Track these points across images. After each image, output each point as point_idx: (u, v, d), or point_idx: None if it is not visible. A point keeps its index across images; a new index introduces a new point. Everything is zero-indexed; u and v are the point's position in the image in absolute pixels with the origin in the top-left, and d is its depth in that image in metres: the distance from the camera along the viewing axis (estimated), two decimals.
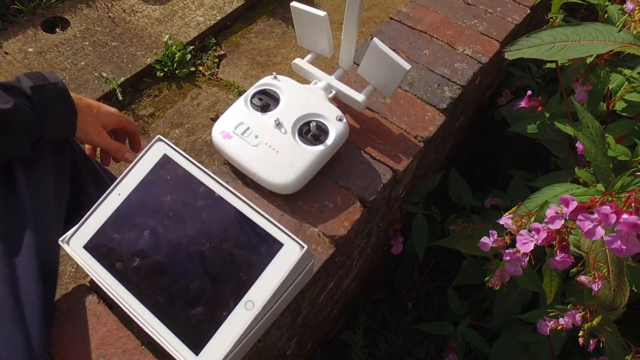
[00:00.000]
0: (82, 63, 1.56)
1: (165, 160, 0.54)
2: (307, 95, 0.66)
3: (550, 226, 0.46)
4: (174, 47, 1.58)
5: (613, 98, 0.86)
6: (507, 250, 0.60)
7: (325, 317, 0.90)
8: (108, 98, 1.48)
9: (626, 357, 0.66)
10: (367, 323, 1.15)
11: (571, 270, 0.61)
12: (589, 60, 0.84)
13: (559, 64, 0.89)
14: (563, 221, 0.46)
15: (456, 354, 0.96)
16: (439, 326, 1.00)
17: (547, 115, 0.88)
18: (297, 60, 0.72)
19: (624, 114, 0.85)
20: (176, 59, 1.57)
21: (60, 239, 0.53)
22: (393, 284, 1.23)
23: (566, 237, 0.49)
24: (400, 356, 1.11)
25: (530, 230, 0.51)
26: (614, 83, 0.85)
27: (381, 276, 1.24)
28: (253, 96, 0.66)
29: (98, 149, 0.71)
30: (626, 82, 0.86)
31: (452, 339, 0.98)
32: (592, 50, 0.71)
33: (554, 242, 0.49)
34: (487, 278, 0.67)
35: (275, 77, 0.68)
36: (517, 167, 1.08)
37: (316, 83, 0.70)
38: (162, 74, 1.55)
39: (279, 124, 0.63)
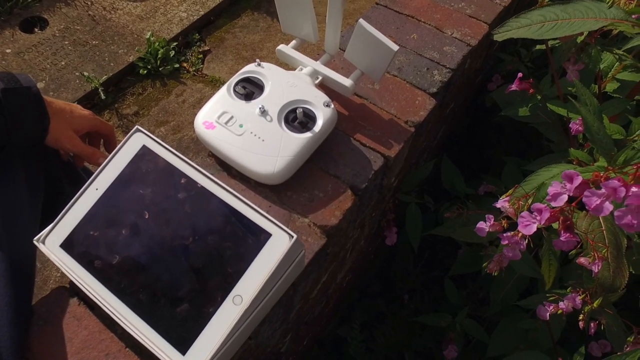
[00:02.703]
0: (63, 63, 1.52)
1: (144, 152, 0.52)
2: (293, 81, 0.63)
3: (553, 204, 0.44)
4: (157, 44, 1.55)
5: (604, 79, 0.84)
6: (505, 234, 0.58)
7: (320, 312, 0.88)
8: (90, 97, 1.45)
9: (628, 339, 0.65)
10: (364, 317, 1.13)
11: (570, 253, 0.60)
12: (579, 39, 0.82)
13: (549, 45, 0.87)
14: (567, 197, 0.44)
15: (456, 345, 0.94)
16: (437, 317, 0.98)
17: (539, 97, 0.87)
18: (282, 47, 0.69)
19: (615, 95, 0.84)
20: (159, 56, 1.53)
21: (35, 238, 0.50)
22: (388, 276, 1.21)
23: (570, 216, 0.47)
24: (398, 350, 1.09)
25: (531, 212, 0.49)
26: (605, 62, 0.84)
27: (376, 269, 1.22)
28: (236, 84, 0.63)
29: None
30: (617, 62, 0.84)
31: (450, 329, 0.96)
32: (582, 27, 0.69)
33: (557, 223, 0.47)
34: (485, 264, 0.65)
35: (259, 64, 0.65)
36: (510, 154, 1.07)
37: (301, 69, 0.67)
38: (145, 72, 1.52)
39: (264, 112, 0.60)
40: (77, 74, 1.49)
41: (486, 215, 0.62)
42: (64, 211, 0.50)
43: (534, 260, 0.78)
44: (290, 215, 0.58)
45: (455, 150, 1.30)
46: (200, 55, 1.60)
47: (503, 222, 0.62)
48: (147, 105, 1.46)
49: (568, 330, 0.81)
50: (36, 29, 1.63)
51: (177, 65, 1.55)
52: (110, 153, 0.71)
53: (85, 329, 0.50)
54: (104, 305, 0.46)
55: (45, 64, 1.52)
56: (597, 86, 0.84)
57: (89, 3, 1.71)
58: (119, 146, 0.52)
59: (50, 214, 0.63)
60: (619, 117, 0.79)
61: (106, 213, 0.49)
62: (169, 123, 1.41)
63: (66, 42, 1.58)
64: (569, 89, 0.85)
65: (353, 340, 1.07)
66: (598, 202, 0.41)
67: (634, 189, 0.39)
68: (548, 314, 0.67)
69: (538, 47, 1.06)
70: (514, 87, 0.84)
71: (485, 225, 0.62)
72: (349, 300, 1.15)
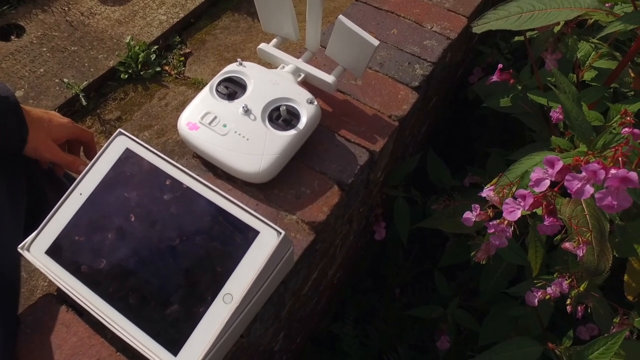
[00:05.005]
0: (41, 70, 1.50)
1: (128, 155, 0.51)
2: (275, 79, 0.63)
3: (536, 189, 0.45)
4: (137, 47, 1.53)
5: (582, 68, 0.86)
6: (491, 223, 0.59)
7: (312, 310, 0.88)
8: (71, 104, 1.43)
9: (614, 320, 0.66)
10: (356, 313, 1.13)
11: (555, 238, 0.61)
12: (556, 29, 0.84)
13: (527, 36, 0.89)
14: (549, 182, 0.44)
15: (448, 336, 0.95)
16: (428, 309, 0.99)
17: (519, 87, 0.88)
18: (263, 45, 0.69)
19: (593, 83, 0.85)
20: (140, 60, 1.52)
21: (20, 246, 0.49)
22: (379, 272, 1.22)
23: (553, 201, 0.48)
24: (392, 344, 1.10)
25: (515, 198, 0.49)
26: (582, 52, 0.86)
27: (367, 265, 1.22)
28: (218, 84, 0.63)
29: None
30: (594, 51, 0.86)
31: (442, 321, 0.97)
32: (559, 17, 0.70)
33: (541, 208, 0.48)
34: (472, 253, 0.65)
35: (241, 64, 0.65)
36: (493, 146, 1.08)
37: (283, 67, 0.67)
38: (126, 76, 1.50)
39: (247, 111, 0.60)
40: (56, 80, 1.46)
41: (472, 205, 0.63)
42: (48, 217, 0.50)
43: (521, 248, 0.79)
44: (277, 213, 0.58)
45: (440, 144, 1.31)
46: (182, 58, 1.59)
47: (489, 211, 0.63)
48: (129, 110, 1.45)
49: (557, 316, 0.82)
50: (13, 37, 1.60)
51: (158, 69, 1.53)
52: (90, 161, 0.70)
53: (74, 335, 0.49)
54: (93, 311, 0.45)
55: (23, 72, 1.49)
56: (575, 75, 0.86)
57: (66, 9, 1.68)
58: (102, 149, 0.52)
59: (33, 222, 0.62)
60: (597, 104, 0.80)
61: (91, 217, 0.49)
62: (152, 127, 1.39)
63: (44, 49, 1.56)
64: (548, 79, 0.87)
65: (346, 336, 1.07)
66: (579, 185, 0.42)
67: (613, 170, 0.40)
68: (536, 299, 0.68)
69: (517, 38, 1.08)
70: (494, 78, 0.85)
71: (471, 215, 0.63)
72: (341, 297, 1.15)
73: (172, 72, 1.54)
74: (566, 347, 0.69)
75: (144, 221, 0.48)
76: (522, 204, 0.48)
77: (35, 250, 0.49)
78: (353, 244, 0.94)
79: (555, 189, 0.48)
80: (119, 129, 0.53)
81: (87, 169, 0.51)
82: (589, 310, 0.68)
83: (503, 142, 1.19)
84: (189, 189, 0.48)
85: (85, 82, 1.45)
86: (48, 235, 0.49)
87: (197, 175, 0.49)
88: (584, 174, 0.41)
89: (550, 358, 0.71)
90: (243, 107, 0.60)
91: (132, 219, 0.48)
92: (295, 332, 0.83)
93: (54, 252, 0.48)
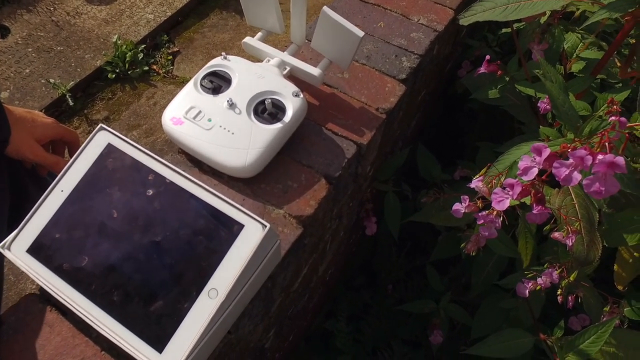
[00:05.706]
0: (27, 70, 1.48)
1: (110, 150, 0.50)
2: (260, 72, 0.62)
3: (524, 178, 0.45)
4: (124, 47, 1.51)
5: (569, 59, 0.86)
6: (480, 214, 0.58)
7: (304, 307, 0.87)
8: (58, 104, 1.41)
9: (604, 309, 0.67)
10: (350, 310, 1.13)
11: (544, 228, 0.61)
12: (542, 19, 0.84)
13: (514, 28, 0.89)
14: (537, 171, 0.44)
15: (441, 330, 0.94)
16: (420, 304, 0.98)
17: (507, 79, 0.88)
18: (248, 39, 0.68)
19: (581, 75, 0.85)
20: (127, 59, 1.50)
21: (0, 244, 0.48)
22: (372, 268, 1.22)
23: (541, 189, 0.47)
24: (385, 339, 1.10)
25: (504, 188, 0.49)
26: (569, 43, 0.86)
27: (359, 262, 1.22)
28: (203, 78, 0.62)
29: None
30: (581, 43, 0.86)
31: (435, 315, 0.97)
32: (545, 6, 0.70)
33: (529, 197, 0.48)
34: (462, 245, 0.65)
35: (225, 58, 0.64)
36: (483, 140, 1.08)
37: (269, 61, 0.66)
38: (114, 76, 1.48)
39: (232, 105, 0.59)
40: (42, 81, 1.44)
41: (461, 197, 0.62)
42: (28, 215, 0.49)
43: (511, 240, 0.79)
44: (264, 208, 0.57)
45: (431, 138, 1.31)
46: (170, 57, 1.58)
47: (478, 202, 0.63)
48: (117, 110, 1.43)
49: (548, 307, 0.82)
50: None
51: (146, 68, 1.52)
52: None
53: (58, 335, 0.48)
54: (76, 309, 0.45)
55: (8, 73, 1.47)
56: (562, 67, 0.86)
57: (52, 9, 1.66)
58: (83, 145, 0.51)
59: (16, 222, 0.61)
60: (584, 94, 0.80)
61: (73, 215, 0.48)
62: (141, 127, 1.38)
63: (30, 50, 1.54)
64: (536, 71, 0.87)
65: (340, 332, 1.07)
66: (567, 172, 0.41)
67: (600, 156, 0.39)
68: (527, 291, 0.68)
69: (504, 30, 1.08)
70: (482, 69, 0.85)
71: (460, 207, 0.62)
72: (334, 295, 1.15)
73: (160, 71, 1.53)
74: (557, 337, 0.69)
75: (127, 217, 0.47)
76: (510, 193, 0.48)
77: (16, 249, 0.48)
78: (344, 240, 0.93)
79: (543, 177, 0.47)
80: (101, 124, 0.52)
81: (68, 165, 0.50)
82: (579, 300, 0.68)
83: (493, 136, 1.19)
84: (172, 183, 0.48)
85: (72, 82, 1.43)
86: (29, 233, 0.48)
87: (182, 170, 0.49)
88: (571, 160, 0.41)
89: (542, 349, 0.71)
90: (228, 101, 0.59)
91: (115, 215, 0.47)
92: (287, 329, 0.83)
93: (35, 250, 0.47)
